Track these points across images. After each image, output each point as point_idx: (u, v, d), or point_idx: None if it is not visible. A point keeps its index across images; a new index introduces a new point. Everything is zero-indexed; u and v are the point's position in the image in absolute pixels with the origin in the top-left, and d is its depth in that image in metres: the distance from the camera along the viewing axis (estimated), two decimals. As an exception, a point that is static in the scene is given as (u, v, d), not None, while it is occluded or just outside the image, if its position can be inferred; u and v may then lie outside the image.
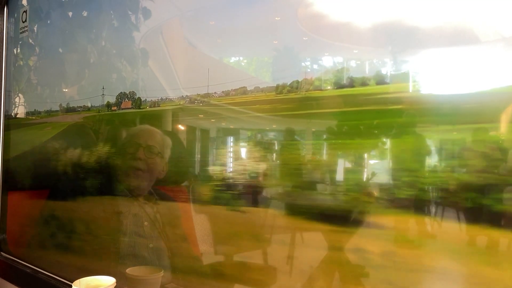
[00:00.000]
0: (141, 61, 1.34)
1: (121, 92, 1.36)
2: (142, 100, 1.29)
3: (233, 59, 1.16)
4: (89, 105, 1.48)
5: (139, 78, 1.34)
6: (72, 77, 1.59)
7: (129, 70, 1.37)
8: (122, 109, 1.36)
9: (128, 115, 1.34)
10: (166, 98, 1.23)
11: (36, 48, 1.81)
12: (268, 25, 1.04)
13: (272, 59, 1.04)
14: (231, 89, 1.07)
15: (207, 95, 1.12)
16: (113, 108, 1.39)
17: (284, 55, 0.99)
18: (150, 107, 1.27)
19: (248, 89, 1.04)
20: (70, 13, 1.60)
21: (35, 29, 1.78)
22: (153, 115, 1.28)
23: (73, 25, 1.58)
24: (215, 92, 1.10)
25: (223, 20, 1.14)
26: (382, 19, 0.83)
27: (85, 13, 1.53)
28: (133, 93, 1.32)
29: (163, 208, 1.28)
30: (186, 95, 1.17)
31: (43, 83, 1.76)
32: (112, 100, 1.39)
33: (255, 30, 1.08)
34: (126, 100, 1.35)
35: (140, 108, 1.30)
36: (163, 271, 1.06)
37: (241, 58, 1.15)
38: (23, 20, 1.81)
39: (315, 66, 0.95)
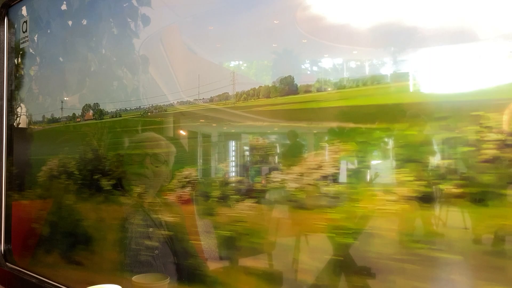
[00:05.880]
0: (142, 67, 1.34)
1: (86, 104, 1.46)
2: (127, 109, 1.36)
3: (232, 64, 1.16)
4: (74, 115, 1.55)
5: (140, 85, 1.34)
6: (73, 86, 1.59)
7: (130, 77, 1.38)
8: (85, 120, 1.46)
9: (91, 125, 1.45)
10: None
11: (37, 57, 1.81)
12: (267, 29, 1.04)
13: (272, 62, 1.04)
14: (215, 95, 1.09)
15: (195, 101, 1.14)
16: (77, 120, 1.49)
17: (283, 58, 0.99)
18: (112, 117, 1.37)
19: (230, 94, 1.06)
20: (70, 22, 1.60)
21: (35, 39, 1.78)
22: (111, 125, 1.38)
23: (73, 34, 1.59)
24: (202, 98, 1.12)
25: (222, 25, 1.14)
26: (380, 20, 0.82)
27: (84, 22, 1.54)
28: (96, 105, 1.42)
29: (168, 214, 1.28)
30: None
31: (45, 92, 1.77)
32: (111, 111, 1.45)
33: (254, 34, 1.08)
34: (90, 111, 1.44)
35: (101, 119, 1.39)
36: (169, 278, 1.06)
37: (240, 62, 1.15)
38: (24, 30, 1.82)
39: (314, 68, 0.95)
